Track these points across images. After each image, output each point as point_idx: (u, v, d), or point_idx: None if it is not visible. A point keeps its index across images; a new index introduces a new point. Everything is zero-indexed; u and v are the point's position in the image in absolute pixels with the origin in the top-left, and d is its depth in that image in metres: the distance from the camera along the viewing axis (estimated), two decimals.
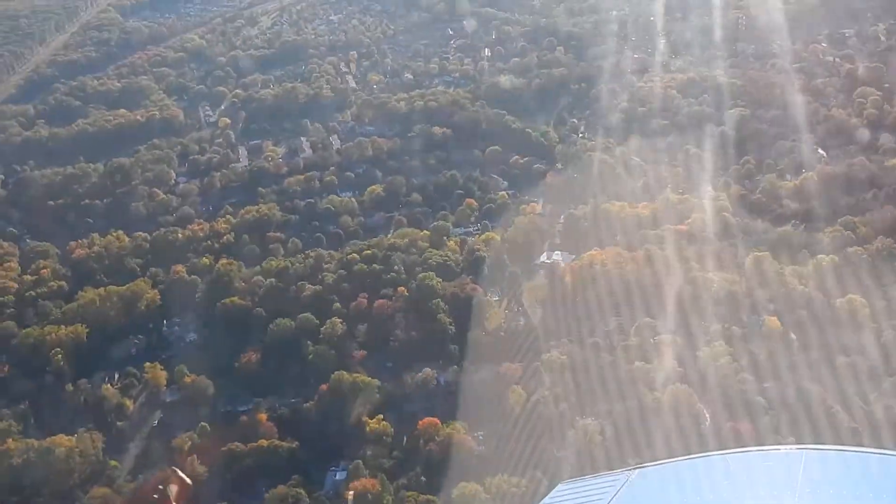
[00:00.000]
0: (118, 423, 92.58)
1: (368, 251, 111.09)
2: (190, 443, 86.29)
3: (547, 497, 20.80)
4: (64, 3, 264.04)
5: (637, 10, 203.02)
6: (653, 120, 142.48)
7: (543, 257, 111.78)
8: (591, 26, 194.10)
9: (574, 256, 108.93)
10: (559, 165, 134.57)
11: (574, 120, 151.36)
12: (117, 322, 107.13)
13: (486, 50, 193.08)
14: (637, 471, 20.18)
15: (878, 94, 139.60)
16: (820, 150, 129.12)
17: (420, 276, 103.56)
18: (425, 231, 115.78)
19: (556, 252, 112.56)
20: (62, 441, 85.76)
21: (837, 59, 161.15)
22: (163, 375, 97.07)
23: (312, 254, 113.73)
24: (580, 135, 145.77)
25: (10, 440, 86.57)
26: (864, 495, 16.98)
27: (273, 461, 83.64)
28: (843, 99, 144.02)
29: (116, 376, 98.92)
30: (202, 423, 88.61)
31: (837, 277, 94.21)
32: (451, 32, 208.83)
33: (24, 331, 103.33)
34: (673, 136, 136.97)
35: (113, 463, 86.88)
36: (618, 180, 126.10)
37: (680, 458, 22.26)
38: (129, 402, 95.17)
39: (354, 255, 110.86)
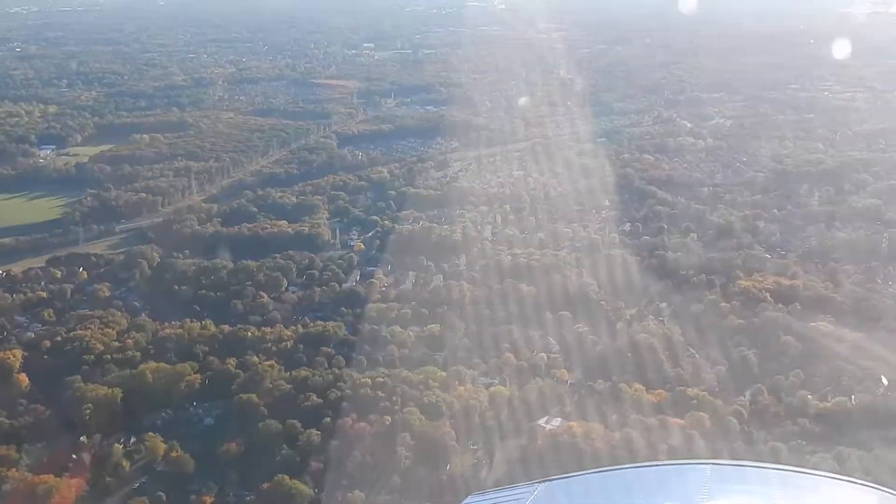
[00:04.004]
0: (108, 479, 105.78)
1: (381, 379, 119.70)
2: None
3: None
4: (298, 125, 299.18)
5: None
6: None
7: (542, 420, 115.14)
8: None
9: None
10: (617, 340, 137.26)
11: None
12: (158, 395, 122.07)
13: (628, 224, 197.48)
14: (544, 483, 20.55)
15: None
16: None
17: (406, 410, 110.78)
18: (442, 373, 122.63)
19: (557, 419, 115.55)
20: (48, 479, 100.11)
21: None
22: (161, 447, 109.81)
23: (337, 371, 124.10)
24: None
25: (13, 470, 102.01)
26: None
27: None
28: None
29: (132, 440, 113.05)
30: (159, 493, 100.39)
31: None
32: (607, 203, 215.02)
33: (76, 385, 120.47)
34: None
35: None
36: (658, 366, 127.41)
37: (589, 471, 22.49)
38: (126, 464, 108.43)
39: (368, 379, 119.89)
